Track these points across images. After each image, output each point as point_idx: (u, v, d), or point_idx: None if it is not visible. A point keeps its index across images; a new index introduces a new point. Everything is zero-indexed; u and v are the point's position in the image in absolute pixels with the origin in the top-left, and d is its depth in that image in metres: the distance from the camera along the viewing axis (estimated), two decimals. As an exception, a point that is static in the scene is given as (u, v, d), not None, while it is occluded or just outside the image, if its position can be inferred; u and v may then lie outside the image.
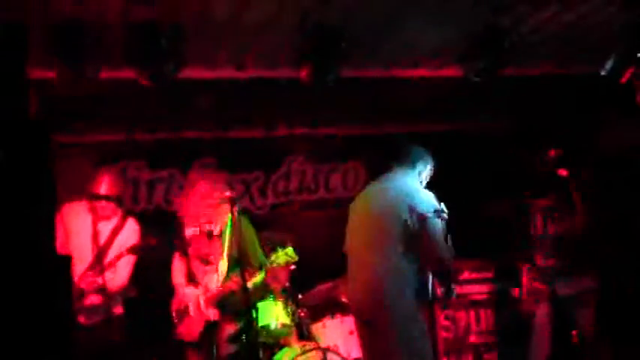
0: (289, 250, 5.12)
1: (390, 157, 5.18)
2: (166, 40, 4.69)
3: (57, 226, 4.77)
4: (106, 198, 5.27)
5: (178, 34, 4.79)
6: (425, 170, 5.08)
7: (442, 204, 4.75)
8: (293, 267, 5.28)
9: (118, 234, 5.34)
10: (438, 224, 4.68)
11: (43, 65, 4.72)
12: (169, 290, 5.53)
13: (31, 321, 3.23)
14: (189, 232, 5.46)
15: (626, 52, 5.30)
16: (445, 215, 4.69)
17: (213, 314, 5.22)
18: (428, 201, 4.77)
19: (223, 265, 5.28)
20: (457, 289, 6.66)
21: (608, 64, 5.39)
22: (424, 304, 4.87)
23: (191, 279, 5.42)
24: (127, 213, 5.59)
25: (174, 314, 5.41)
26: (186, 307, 5.31)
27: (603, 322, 5.68)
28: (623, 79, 5.33)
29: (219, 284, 5.21)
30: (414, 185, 4.94)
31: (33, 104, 4.07)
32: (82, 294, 5.11)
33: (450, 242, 4.70)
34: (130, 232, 5.42)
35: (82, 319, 5.15)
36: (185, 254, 5.45)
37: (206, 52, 5.31)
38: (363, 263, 4.85)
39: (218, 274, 5.27)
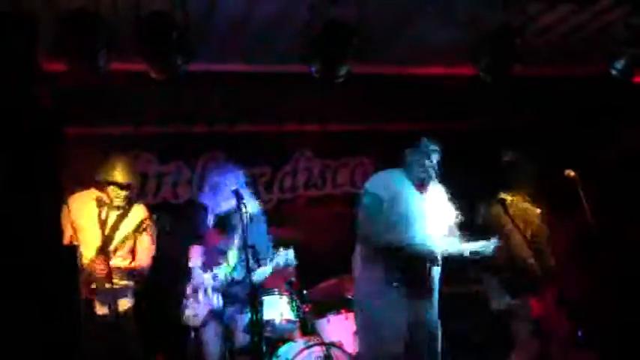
0: (290, 253, 5.23)
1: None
2: (177, 34, 4.70)
3: (65, 216, 4.83)
4: (119, 185, 5.28)
5: (189, 27, 4.80)
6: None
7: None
8: (291, 270, 5.47)
9: (124, 219, 5.35)
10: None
11: (54, 57, 4.73)
12: (177, 280, 5.62)
13: (39, 311, 3.24)
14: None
15: (637, 53, 5.29)
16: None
17: (217, 301, 5.37)
18: None
19: (233, 256, 5.45)
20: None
21: (619, 65, 5.38)
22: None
23: (204, 267, 5.55)
24: (134, 200, 5.58)
25: (185, 297, 5.49)
26: (197, 291, 5.43)
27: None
28: (637, 79, 5.33)
29: (227, 274, 5.40)
30: None
31: (44, 95, 4.09)
32: (93, 280, 5.13)
33: None
34: (137, 216, 5.42)
35: (95, 308, 5.17)
36: (201, 243, 5.58)
37: (216, 46, 5.31)
38: None
39: (228, 264, 5.45)
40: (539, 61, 5.89)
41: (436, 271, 4.89)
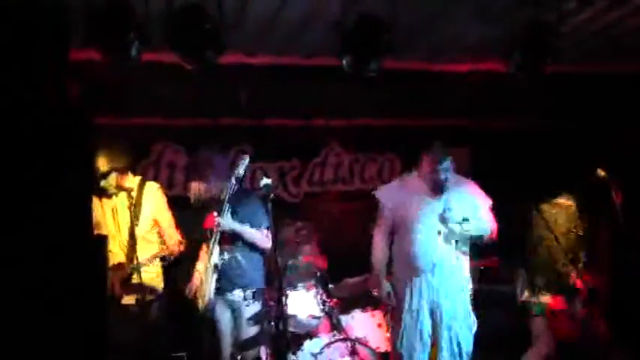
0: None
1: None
2: (209, 26, 4.69)
3: (94, 207, 4.86)
4: (101, 175, 5.27)
5: (221, 20, 4.79)
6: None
7: None
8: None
9: (142, 201, 5.36)
10: None
11: (84, 48, 4.75)
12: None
13: (67, 302, 3.25)
14: None
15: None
16: None
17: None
18: None
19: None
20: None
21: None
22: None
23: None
24: (144, 179, 5.59)
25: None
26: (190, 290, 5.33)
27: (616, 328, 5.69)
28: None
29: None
30: None
31: (73, 86, 4.09)
32: (121, 273, 5.15)
33: None
34: (153, 196, 5.44)
35: (125, 297, 5.22)
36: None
37: (247, 39, 5.30)
38: None
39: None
40: (572, 58, 5.81)
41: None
